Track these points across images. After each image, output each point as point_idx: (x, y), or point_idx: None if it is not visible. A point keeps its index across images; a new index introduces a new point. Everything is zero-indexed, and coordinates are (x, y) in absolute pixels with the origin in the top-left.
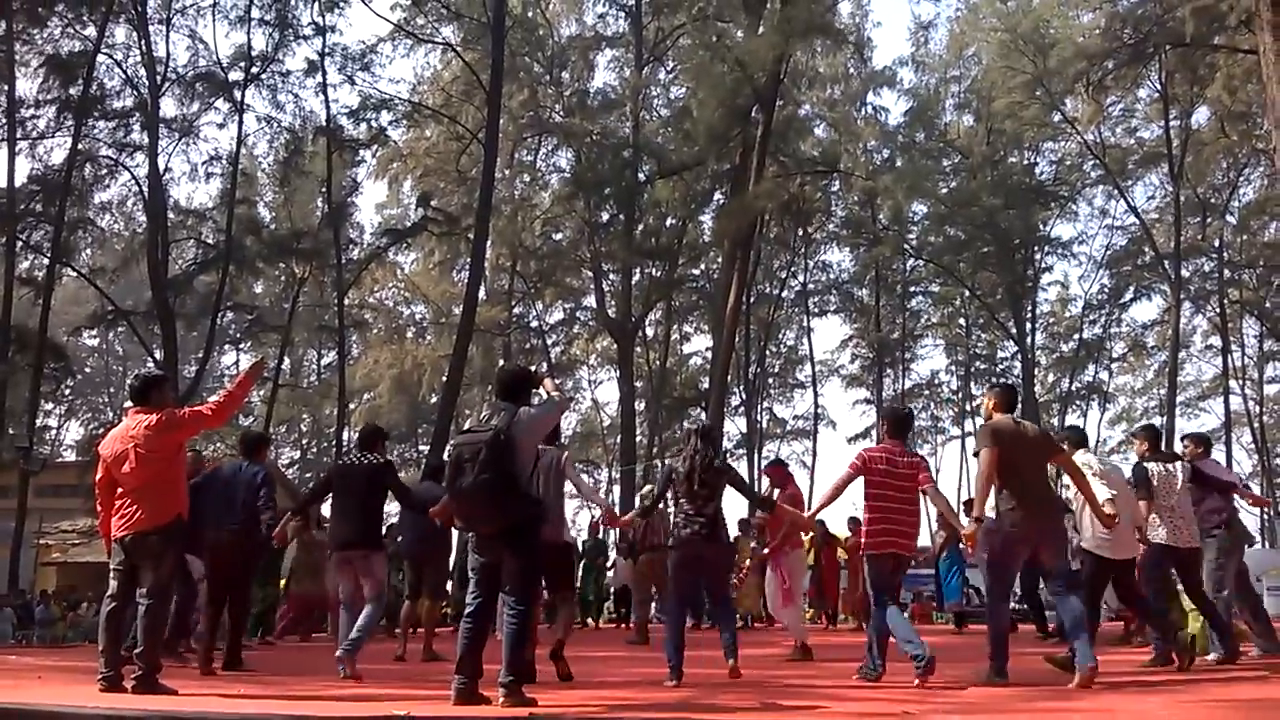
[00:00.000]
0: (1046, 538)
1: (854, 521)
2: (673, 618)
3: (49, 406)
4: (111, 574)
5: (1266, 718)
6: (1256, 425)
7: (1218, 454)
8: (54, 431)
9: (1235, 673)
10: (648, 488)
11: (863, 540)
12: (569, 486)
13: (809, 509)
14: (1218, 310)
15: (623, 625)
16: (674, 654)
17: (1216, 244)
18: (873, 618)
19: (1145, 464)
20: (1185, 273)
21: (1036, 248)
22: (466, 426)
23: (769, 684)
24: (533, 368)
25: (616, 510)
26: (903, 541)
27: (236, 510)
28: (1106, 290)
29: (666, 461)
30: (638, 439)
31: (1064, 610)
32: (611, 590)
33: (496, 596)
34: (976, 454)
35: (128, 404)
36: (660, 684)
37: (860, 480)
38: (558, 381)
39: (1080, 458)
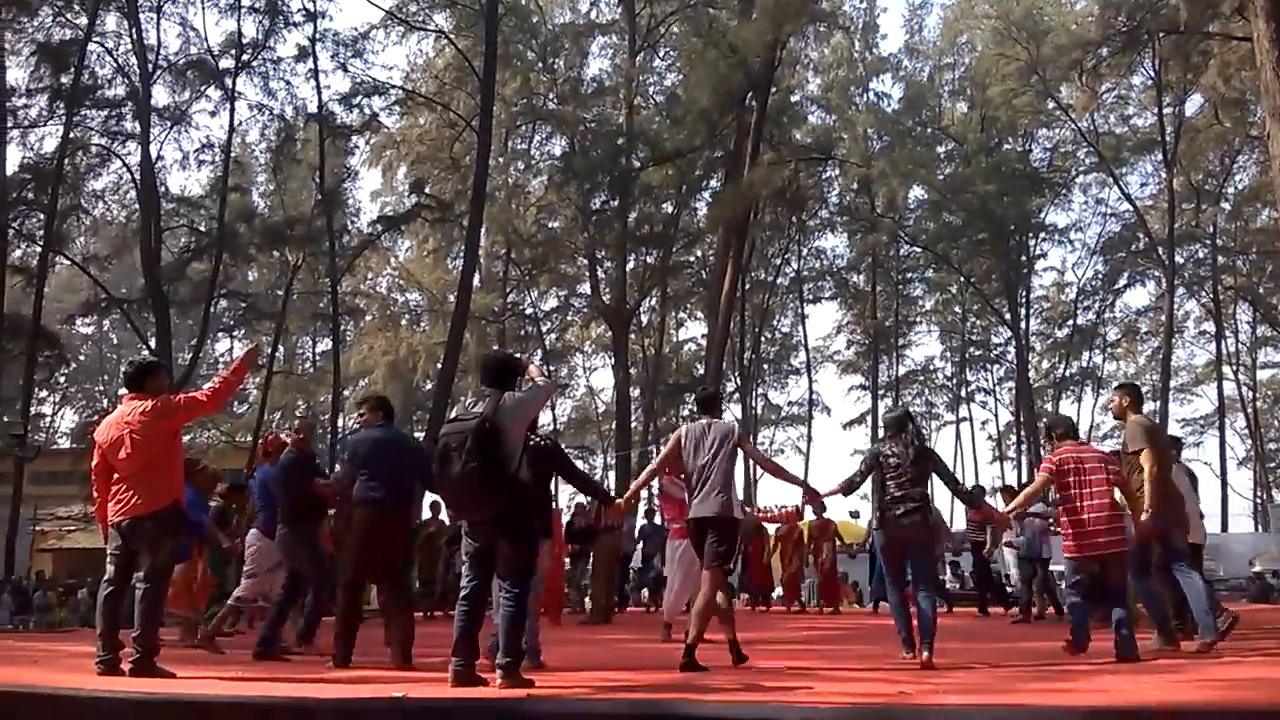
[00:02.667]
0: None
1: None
2: (896, 596)
3: (43, 394)
4: (108, 559)
5: (1260, 697)
6: (1249, 410)
7: (1211, 439)
8: (49, 419)
9: (1232, 656)
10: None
11: (1067, 543)
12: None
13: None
14: (1211, 296)
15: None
16: (905, 627)
17: (1210, 230)
18: (1072, 611)
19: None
20: (1179, 259)
21: (1031, 234)
22: (453, 415)
23: (766, 667)
24: (518, 355)
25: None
26: (1102, 541)
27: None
28: (1101, 276)
29: (870, 446)
30: (633, 425)
31: (1188, 586)
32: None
33: (490, 580)
34: (1136, 452)
35: (123, 391)
36: (646, 666)
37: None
38: (542, 367)
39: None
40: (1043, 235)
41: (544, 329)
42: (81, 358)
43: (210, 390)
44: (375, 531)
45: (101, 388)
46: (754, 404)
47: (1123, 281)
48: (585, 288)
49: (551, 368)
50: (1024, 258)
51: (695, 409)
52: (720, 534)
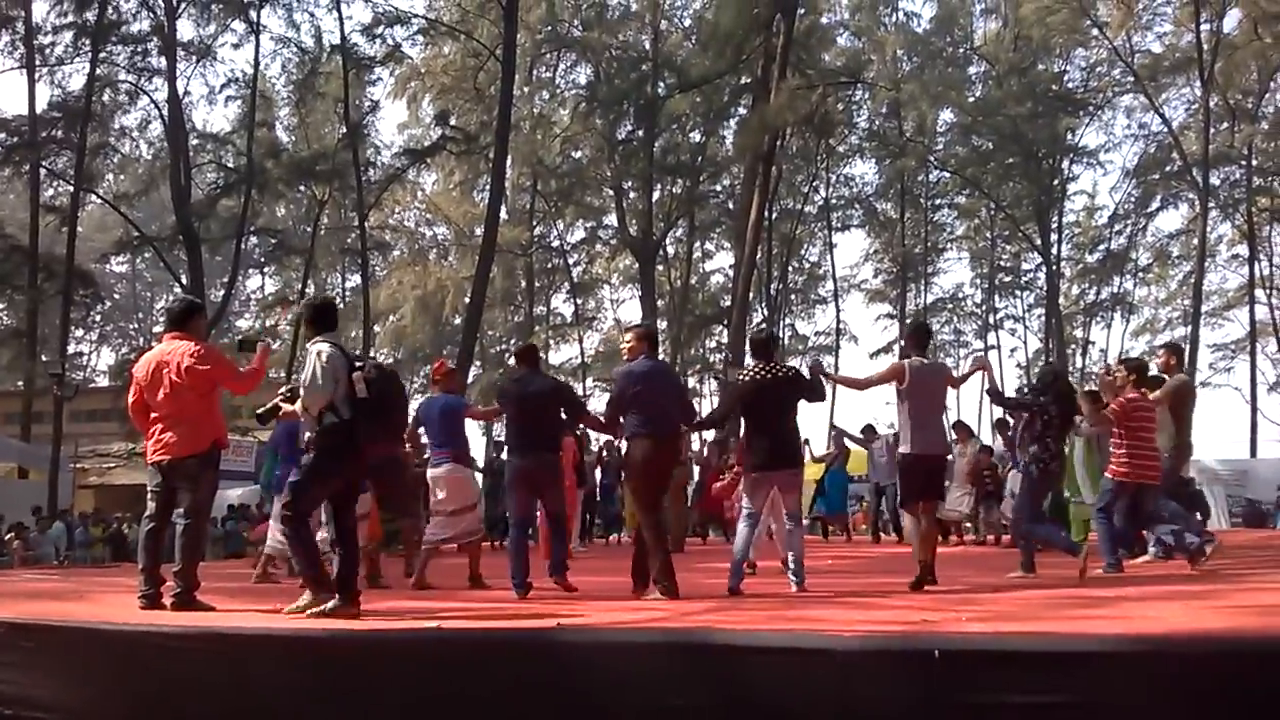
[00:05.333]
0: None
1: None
2: (1113, 531)
3: (79, 333)
4: (149, 496)
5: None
6: None
7: (1242, 364)
8: (86, 358)
9: (1257, 581)
10: None
11: (1117, 469)
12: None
13: None
14: (1245, 218)
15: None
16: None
17: (1245, 151)
18: (1102, 530)
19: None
20: (1213, 180)
21: (1063, 157)
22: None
23: (790, 596)
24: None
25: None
26: (1151, 473)
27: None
28: (1133, 200)
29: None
30: (661, 356)
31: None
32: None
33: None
34: (1159, 403)
35: (157, 328)
36: (689, 597)
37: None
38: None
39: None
40: (1074, 158)
41: (571, 261)
42: (116, 296)
43: (244, 376)
44: (656, 463)
45: (136, 326)
46: (781, 334)
47: (1155, 205)
48: (611, 219)
49: (579, 300)
50: (1055, 182)
51: (909, 346)
52: (942, 470)
